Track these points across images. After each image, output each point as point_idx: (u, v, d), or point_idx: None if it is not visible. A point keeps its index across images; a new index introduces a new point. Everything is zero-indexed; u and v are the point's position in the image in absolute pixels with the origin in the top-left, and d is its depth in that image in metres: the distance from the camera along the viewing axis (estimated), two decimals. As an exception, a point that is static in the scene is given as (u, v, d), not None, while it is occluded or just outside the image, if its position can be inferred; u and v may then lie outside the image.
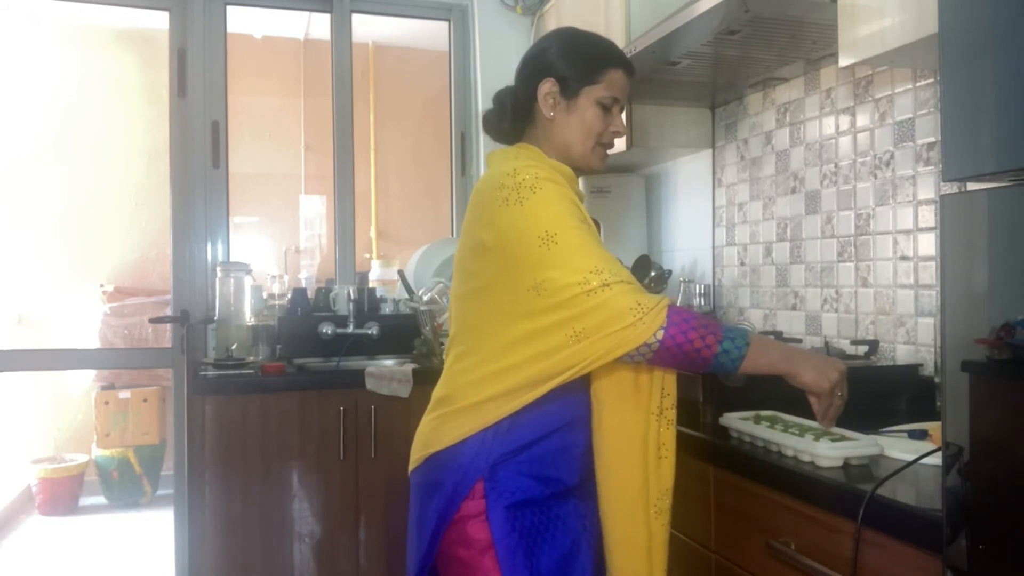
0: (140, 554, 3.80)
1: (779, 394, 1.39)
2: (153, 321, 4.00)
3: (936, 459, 1.09)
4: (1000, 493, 0.89)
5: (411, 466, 1.40)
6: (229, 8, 3.12)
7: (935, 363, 1.76)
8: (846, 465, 1.26)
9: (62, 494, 4.36)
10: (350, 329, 2.88)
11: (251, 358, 2.61)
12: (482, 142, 3.26)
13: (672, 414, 1.33)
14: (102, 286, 4.70)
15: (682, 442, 1.57)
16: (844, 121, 2.06)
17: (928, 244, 1.80)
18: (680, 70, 2.14)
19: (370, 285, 3.39)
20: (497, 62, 3.22)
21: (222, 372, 2.44)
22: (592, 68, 1.40)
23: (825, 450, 1.25)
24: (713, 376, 1.64)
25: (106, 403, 4.49)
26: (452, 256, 1.49)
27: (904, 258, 1.87)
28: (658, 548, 1.31)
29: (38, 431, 4.62)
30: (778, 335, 2.20)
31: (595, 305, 1.19)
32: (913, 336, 1.85)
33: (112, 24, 4.64)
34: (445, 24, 3.45)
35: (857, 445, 1.28)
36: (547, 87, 1.40)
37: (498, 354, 1.29)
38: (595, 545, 1.33)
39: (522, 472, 1.29)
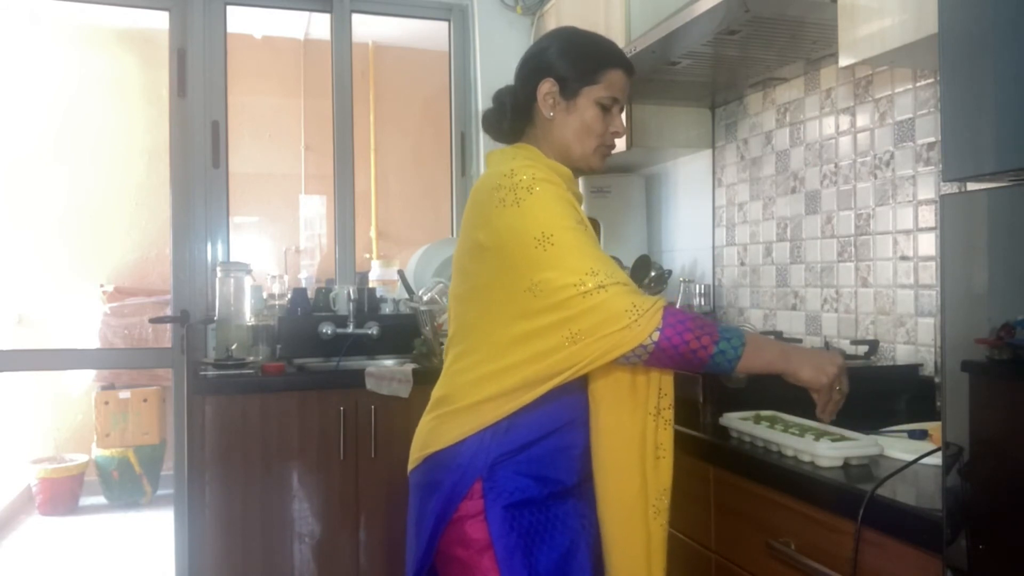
0: (140, 554, 3.80)
1: (779, 394, 1.39)
2: (153, 321, 4.00)
3: (936, 459, 1.09)
4: (1000, 493, 0.89)
5: (410, 466, 1.40)
6: (229, 8, 3.12)
7: (935, 363, 1.75)
8: (846, 465, 1.26)
9: (62, 494, 4.36)
10: (350, 329, 2.88)
11: (251, 358, 2.61)
12: (482, 142, 3.26)
13: (670, 414, 1.33)
14: (102, 286, 4.70)
15: (682, 442, 1.57)
16: (844, 121, 2.06)
17: (928, 244, 1.80)
18: (680, 70, 2.14)
19: (370, 285, 3.39)
20: (497, 62, 3.22)
21: (222, 372, 2.44)
22: (592, 68, 1.40)
23: (825, 450, 1.25)
24: (714, 376, 1.64)
25: (106, 403, 4.49)
26: (452, 256, 1.49)
27: (904, 258, 1.87)
28: (657, 548, 1.31)
29: (38, 431, 4.62)
30: (778, 335, 2.20)
31: (591, 307, 1.19)
32: (913, 336, 1.85)
33: (112, 24, 4.64)
34: (445, 24, 3.45)
35: (857, 445, 1.28)
36: (546, 87, 1.40)
37: (496, 354, 1.29)
38: (594, 545, 1.33)
39: (520, 472, 1.29)
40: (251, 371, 2.47)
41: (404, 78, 4.94)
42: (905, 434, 1.40)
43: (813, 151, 2.18)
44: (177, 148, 3.08)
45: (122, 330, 4.56)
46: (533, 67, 1.43)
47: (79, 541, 4.00)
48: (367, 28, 4.34)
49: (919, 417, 1.54)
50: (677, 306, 2.39)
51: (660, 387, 1.31)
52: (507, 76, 1.51)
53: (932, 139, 1.79)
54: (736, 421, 1.49)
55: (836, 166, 2.09)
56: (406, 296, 2.92)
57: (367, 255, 4.83)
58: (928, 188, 1.80)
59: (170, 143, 3.10)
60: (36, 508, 4.37)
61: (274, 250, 4.82)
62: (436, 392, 1.40)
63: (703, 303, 2.58)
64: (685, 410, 1.64)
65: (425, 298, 2.77)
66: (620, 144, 2.48)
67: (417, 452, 1.38)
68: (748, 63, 2.10)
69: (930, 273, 1.80)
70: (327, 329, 2.86)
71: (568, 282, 1.21)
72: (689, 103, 2.60)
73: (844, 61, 1.59)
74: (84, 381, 4.65)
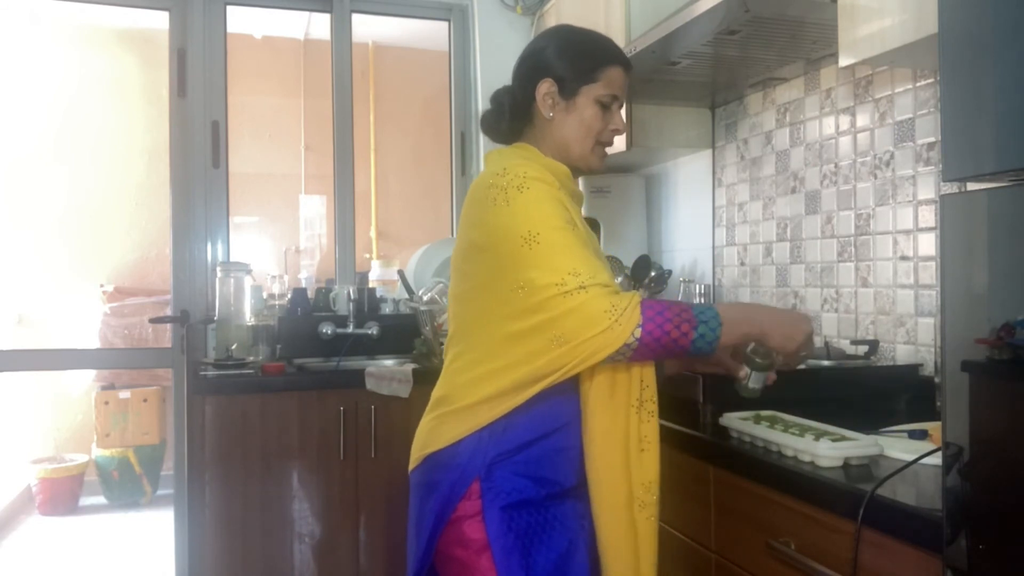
0: (140, 554, 3.80)
1: (779, 394, 1.39)
2: (153, 321, 4.00)
3: (936, 459, 1.09)
4: (1000, 493, 0.89)
5: (411, 466, 1.40)
6: (229, 8, 3.12)
7: (935, 363, 1.75)
8: (846, 465, 1.25)
9: (62, 494, 4.36)
10: (350, 329, 2.88)
11: (251, 358, 2.61)
12: (482, 142, 3.26)
13: (653, 406, 1.31)
14: (102, 286, 4.71)
15: (682, 442, 1.58)
16: (844, 121, 2.06)
17: (928, 244, 1.80)
18: (680, 70, 2.14)
19: (370, 285, 3.39)
20: (497, 62, 3.22)
21: (222, 372, 2.44)
22: (590, 67, 1.40)
23: (825, 450, 1.25)
24: (714, 377, 1.63)
25: (106, 403, 4.49)
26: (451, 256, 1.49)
27: (904, 258, 1.87)
28: (645, 543, 1.29)
29: (38, 431, 4.62)
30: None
31: (570, 308, 1.19)
32: (913, 336, 1.85)
33: (112, 24, 4.64)
34: (445, 24, 3.45)
35: (857, 445, 1.27)
36: (545, 88, 1.40)
37: (491, 354, 1.29)
38: (592, 546, 1.33)
39: (518, 473, 1.29)
40: (251, 371, 2.47)
41: (404, 78, 4.94)
42: (905, 434, 1.40)
43: (813, 151, 2.18)
44: (177, 148, 3.08)
45: (122, 330, 4.56)
46: (531, 67, 1.43)
47: (79, 541, 4.00)
48: (367, 28, 4.34)
49: (919, 417, 1.54)
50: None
51: (642, 379, 1.30)
52: (507, 76, 1.51)
53: (932, 139, 1.79)
54: (736, 421, 1.49)
55: (836, 166, 2.09)
56: (406, 296, 2.92)
57: (367, 255, 4.83)
58: (928, 188, 1.80)
59: (170, 143, 3.10)
60: (36, 508, 4.37)
61: (274, 250, 4.82)
62: (436, 392, 1.40)
63: (703, 303, 2.58)
64: (685, 410, 1.65)
65: (425, 298, 2.77)
66: (620, 144, 2.49)
67: (417, 452, 1.38)
68: (748, 63, 2.10)
69: (930, 273, 1.79)
70: (327, 329, 2.86)
71: (550, 281, 1.21)
72: (689, 103, 2.60)
73: (844, 61, 1.59)
74: (84, 381, 4.65)
